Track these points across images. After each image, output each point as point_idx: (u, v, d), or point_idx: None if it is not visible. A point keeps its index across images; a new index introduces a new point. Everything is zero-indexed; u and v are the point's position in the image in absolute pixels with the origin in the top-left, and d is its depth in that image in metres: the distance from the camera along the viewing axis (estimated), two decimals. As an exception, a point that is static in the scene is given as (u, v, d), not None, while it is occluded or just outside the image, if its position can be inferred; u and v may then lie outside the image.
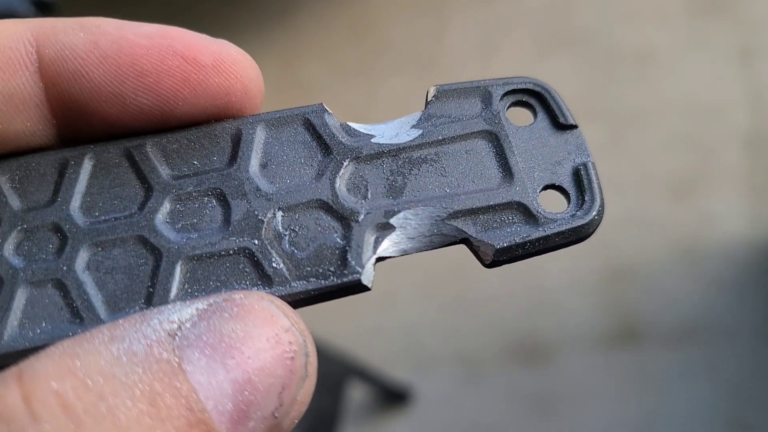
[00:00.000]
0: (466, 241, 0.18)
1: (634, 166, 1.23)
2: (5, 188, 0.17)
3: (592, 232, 0.18)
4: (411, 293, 1.17)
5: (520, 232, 0.18)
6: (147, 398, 0.12)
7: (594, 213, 0.18)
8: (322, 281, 0.17)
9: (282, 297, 0.16)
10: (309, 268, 0.17)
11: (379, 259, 0.17)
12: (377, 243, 0.17)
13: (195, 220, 0.17)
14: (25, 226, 0.17)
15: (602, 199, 0.18)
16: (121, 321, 0.14)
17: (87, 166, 0.17)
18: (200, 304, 0.14)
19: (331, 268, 0.17)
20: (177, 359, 0.13)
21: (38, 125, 0.16)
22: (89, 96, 0.15)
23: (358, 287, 0.17)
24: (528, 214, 0.18)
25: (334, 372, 0.95)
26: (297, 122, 0.18)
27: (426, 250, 0.18)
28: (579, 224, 0.18)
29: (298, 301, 0.17)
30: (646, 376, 1.06)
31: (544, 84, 0.19)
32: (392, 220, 0.17)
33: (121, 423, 0.12)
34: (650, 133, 1.25)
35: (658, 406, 1.03)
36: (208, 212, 0.17)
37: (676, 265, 1.12)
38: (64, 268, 0.16)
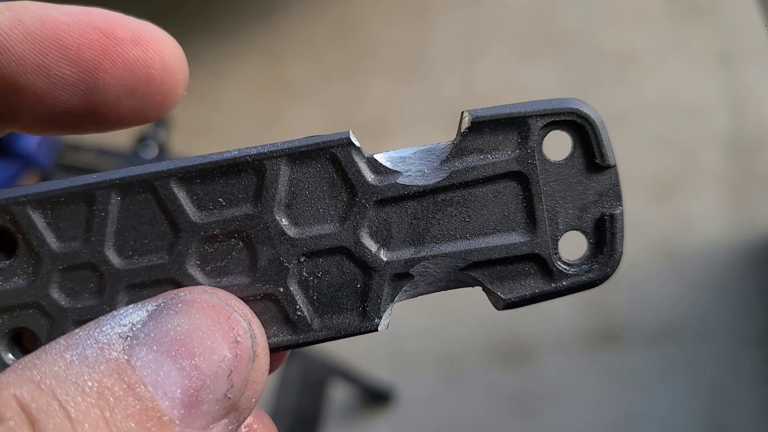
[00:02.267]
0: (480, 284, 0.18)
1: (615, 168, 1.23)
2: (41, 226, 0.17)
3: (601, 284, 0.18)
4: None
5: (533, 286, 0.18)
6: (96, 393, 0.13)
7: (608, 269, 0.18)
8: (342, 330, 0.18)
9: (304, 342, 0.17)
10: (329, 316, 0.17)
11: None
12: (395, 292, 0.18)
13: (223, 264, 0.17)
14: (66, 266, 0.17)
15: (621, 253, 0.18)
16: (77, 330, 0.15)
17: (114, 202, 0.17)
18: (150, 305, 0.15)
19: (351, 317, 0.18)
20: (126, 357, 0.14)
21: None
22: (16, 70, 0.16)
23: (374, 329, 0.18)
24: (544, 268, 0.18)
25: (317, 372, 0.95)
26: (323, 157, 0.17)
27: (439, 292, 0.19)
28: (590, 279, 0.18)
29: (315, 343, 0.18)
30: (626, 375, 1.07)
31: (588, 115, 0.18)
32: (412, 270, 0.18)
33: (72, 416, 0.13)
34: (631, 136, 1.26)
35: (637, 405, 1.04)
36: (235, 255, 0.17)
37: (656, 267, 1.14)
38: (107, 308, 0.17)
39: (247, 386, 0.15)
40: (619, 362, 1.08)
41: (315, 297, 0.18)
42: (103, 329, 0.15)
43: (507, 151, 0.18)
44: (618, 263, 0.18)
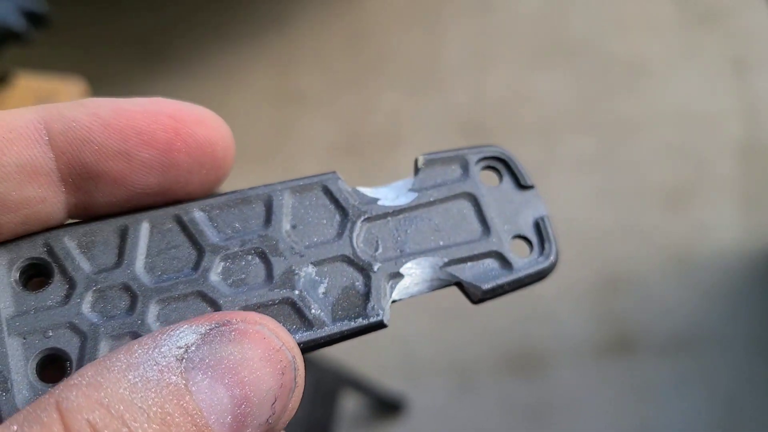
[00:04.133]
0: (458, 284, 0.22)
1: (627, 177, 1.23)
2: (75, 253, 0.19)
3: (552, 272, 0.23)
4: (404, 303, 1.17)
5: (499, 276, 0.22)
6: (159, 419, 0.15)
7: (552, 258, 0.23)
8: (353, 323, 0.21)
9: (322, 338, 0.20)
10: (340, 312, 0.21)
11: (394, 301, 0.22)
12: (391, 289, 0.22)
13: (243, 276, 0.20)
14: (98, 287, 0.19)
15: (557, 247, 0.23)
16: (135, 346, 0.16)
17: (144, 231, 0.20)
18: (203, 327, 0.17)
19: (358, 311, 0.21)
20: (184, 382, 0.15)
21: (48, 191, 0.18)
22: (97, 157, 0.18)
23: (380, 326, 0.21)
24: (504, 261, 0.22)
25: (328, 382, 0.95)
26: (317, 188, 0.22)
27: (428, 292, 0.22)
28: (542, 267, 0.22)
29: (332, 341, 0.21)
30: (640, 385, 1.06)
31: (507, 153, 0.24)
32: (401, 270, 0.22)
33: None
34: (643, 144, 1.25)
35: (652, 415, 1.03)
36: (253, 268, 0.20)
37: (670, 275, 1.13)
38: (139, 321, 0.19)
39: (285, 413, 0.17)
40: (633, 372, 1.07)
41: (325, 297, 0.21)
42: (162, 350, 0.16)
43: (456, 178, 0.23)
44: (557, 253, 0.23)
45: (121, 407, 0.15)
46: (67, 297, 0.19)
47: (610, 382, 1.07)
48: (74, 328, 0.19)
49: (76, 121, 0.18)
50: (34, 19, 0.58)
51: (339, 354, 1.05)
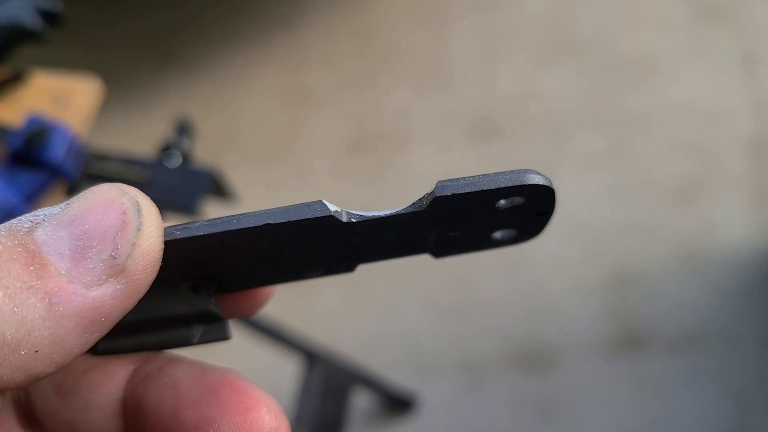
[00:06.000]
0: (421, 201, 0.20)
1: (637, 173, 1.23)
2: None
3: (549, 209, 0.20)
4: (414, 301, 1.18)
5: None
6: None
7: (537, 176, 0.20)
8: (294, 208, 0.19)
9: (263, 219, 0.19)
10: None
11: (349, 217, 0.20)
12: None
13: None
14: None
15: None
16: None
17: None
18: (64, 204, 0.18)
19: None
20: (28, 228, 0.17)
21: (110, 424, 0.21)
22: (153, 416, 0.20)
23: (331, 220, 0.19)
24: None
25: (339, 379, 0.95)
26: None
27: (387, 215, 0.20)
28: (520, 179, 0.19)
29: (275, 227, 0.19)
30: (650, 382, 1.06)
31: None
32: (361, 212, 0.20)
33: None
34: (653, 140, 1.25)
35: (662, 412, 1.03)
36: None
37: (680, 272, 1.12)
38: None
39: (134, 250, 0.17)
40: (643, 369, 1.07)
41: None
42: (19, 218, 0.17)
43: None
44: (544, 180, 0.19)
45: None
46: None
47: (620, 378, 1.07)
48: None
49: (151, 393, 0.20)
50: (49, 18, 0.59)
51: (349, 350, 1.06)
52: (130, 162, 0.68)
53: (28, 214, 0.17)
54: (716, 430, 1.01)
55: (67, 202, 0.18)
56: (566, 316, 1.13)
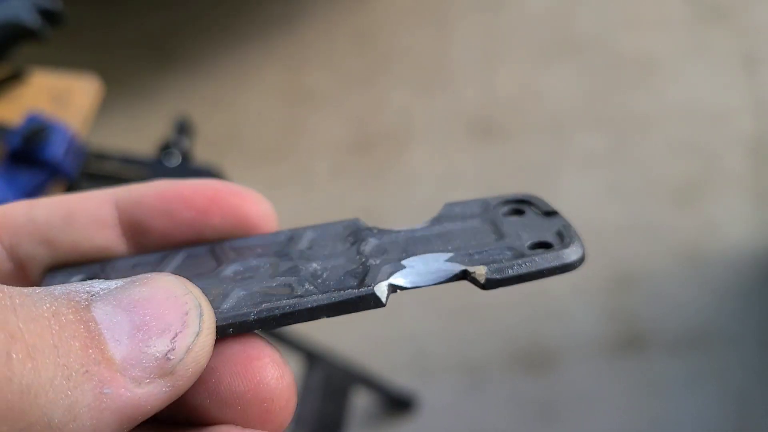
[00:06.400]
0: (465, 272, 0.21)
1: (637, 173, 1.23)
2: None
3: (577, 266, 0.21)
4: (415, 301, 1.18)
5: (511, 263, 0.20)
6: (51, 313, 0.15)
7: (577, 249, 0.21)
8: (342, 294, 0.20)
9: (308, 304, 0.20)
10: (332, 286, 0.20)
11: (393, 289, 0.20)
12: (390, 274, 0.21)
13: (252, 274, 0.21)
14: None
15: (583, 244, 0.21)
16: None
17: (180, 256, 0.22)
18: (120, 281, 0.18)
19: (351, 286, 0.20)
20: (86, 301, 0.16)
21: (113, 241, 0.22)
22: (148, 216, 0.22)
23: (373, 298, 0.20)
24: (517, 252, 0.21)
25: (339, 379, 0.95)
26: (339, 225, 0.23)
27: (432, 285, 0.21)
28: (563, 261, 0.21)
29: (320, 309, 0.20)
30: (651, 383, 1.06)
31: (528, 194, 0.23)
32: (403, 262, 0.21)
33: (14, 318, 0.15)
34: (654, 140, 1.25)
35: (664, 413, 1.03)
36: (262, 269, 0.22)
37: (681, 272, 1.12)
38: None
39: (188, 354, 0.17)
40: (644, 369, 1.06)
41: (321, 282, 0.21)
42: (75, 286, 0.17)
43: (474, 214, 0.22)
44: (583, 248, 0.21)
45: (16, 301, 0.15)
46: None
47: (621, 379, 1.07)
48: None
49: (137, 189, 0.22)
50: (49, 16, 0.59)
51: (349, 350, 1.06)
52: (129, 161, 0.67)
53: (83, 283, 0.17)
54: (717, 431, 1.01)
55: (125, 280, 0.17)
56: (567, 316, 1.13)
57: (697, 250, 1.14)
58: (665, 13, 1.38)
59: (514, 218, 0.22)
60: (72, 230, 0.21)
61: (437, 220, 0.22)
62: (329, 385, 0.93)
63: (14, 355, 0.14)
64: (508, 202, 0.23)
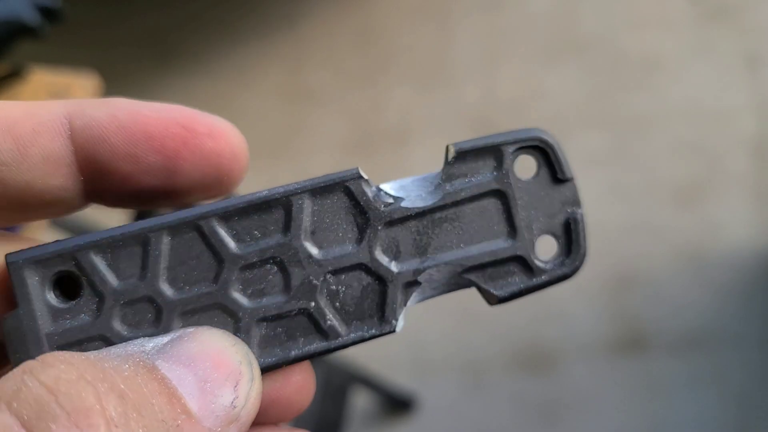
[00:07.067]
0: (475, 285, 0.22)
1: (639, 173, 1.22)
2: (102, 268, 0.20)
3: (575, 276, 0.22)
4: (417, 304, 1.17)
5: (518, 283, 0.22)
6: (132, 372, 0.16)
7: (577, 263, 0.22)
8: (365, 333, 0.21)
9: (334, 347, 0.21)
10: (355, 322, 0.21)
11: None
12: (406, 297, 0.22)
13: (262, 286, 0.21)
14: (126, 300, 0.20)
15: (586, 248, 0.22)
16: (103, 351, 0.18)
17: (166, 241, 0.20)
18: (167, 337, 0.18)
19: (373, 322, 0.21)
20: (151, 362, 0.17)
21: (69, 181, 0.20)
22: (109, 157, 0.20)
23: (392, 331, 0.22)
24: (526, 266, 0.22)
25: (339, 379, 0.95)
26: (339, 190, 0.21)
27: (442, 294, 0.23)
28: (564, 273, 0.22)
29: (344, 348, 0.21)
30: (652, 384, 1.05)
31: (548, 140, 0.23)
32: (419, 278, 0.22)
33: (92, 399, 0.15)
34: (656, 140, 1.25)
35: (665, 414, 1.03)
36: (271, 278, 0.21)
37: (682, 273, 1.12)
38: (163, 333, 0.20)
39: (248, 400, 0.18)
40: (645, 370, 1.06)
41: (340, 308, 0.21)
42: (127, 348, 0.17)
43: (487, 174, 0.22)
44: (584, 257, 0.22)
45: (101, 376, 0.16)
46: (98, 310, 0.20)
47: (622, 380, 1.07)
48: (106, 340, 0.20)
49: (96, 120, 0.19)
50: (48, 14, 0.59)
51: (349, 350, 1.05)
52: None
53: (129, 343, 0.18)
54: (718, 433, 1.01)
55: (170, 336, 0.18)
56: (568, 316, 1.13)
57: (699, 250, 1.13)
58: (668, 13, 1.37)
59: (526, 182, 0.22)
60: (24, 169, 0.19)
61: (448, 178, 0.22)
62: (329, 386, 0.92)
63: (129, 414, 0.15)
64: (524, 147, 0.22)
